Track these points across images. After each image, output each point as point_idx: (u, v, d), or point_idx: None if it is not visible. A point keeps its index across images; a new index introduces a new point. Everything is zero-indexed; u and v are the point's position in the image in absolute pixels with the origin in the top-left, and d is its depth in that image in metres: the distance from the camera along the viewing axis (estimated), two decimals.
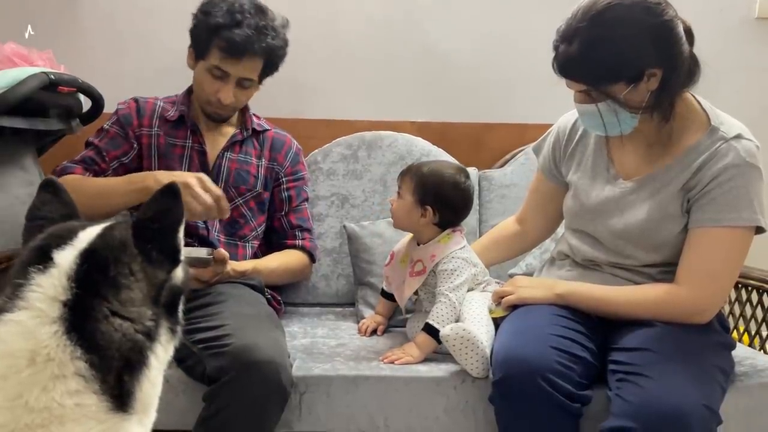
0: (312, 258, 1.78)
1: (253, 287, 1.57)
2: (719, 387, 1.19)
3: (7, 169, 1.77)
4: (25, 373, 0.66)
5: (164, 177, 1.41)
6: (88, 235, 0.74)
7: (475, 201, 1.97)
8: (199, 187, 1.37)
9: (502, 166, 2.08)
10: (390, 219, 1.66)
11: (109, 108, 1.93)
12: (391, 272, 1.60)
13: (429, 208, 1.49)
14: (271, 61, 1.62)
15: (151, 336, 0.73)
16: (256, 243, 1.72)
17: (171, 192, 0.74)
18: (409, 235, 1.60)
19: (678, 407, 1.07)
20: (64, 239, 0.73)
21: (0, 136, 1.69)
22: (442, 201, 1.49)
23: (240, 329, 1.24)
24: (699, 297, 1.25)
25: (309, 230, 1.79)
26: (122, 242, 0.73)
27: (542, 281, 1.38)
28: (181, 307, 0.80)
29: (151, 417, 0.77)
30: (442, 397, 1.34)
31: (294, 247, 1.74)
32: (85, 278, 0.70)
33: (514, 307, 1.39)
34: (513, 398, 1.20)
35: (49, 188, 0.83)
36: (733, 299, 1.68)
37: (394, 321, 1.67)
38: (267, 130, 1.77)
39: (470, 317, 1.36)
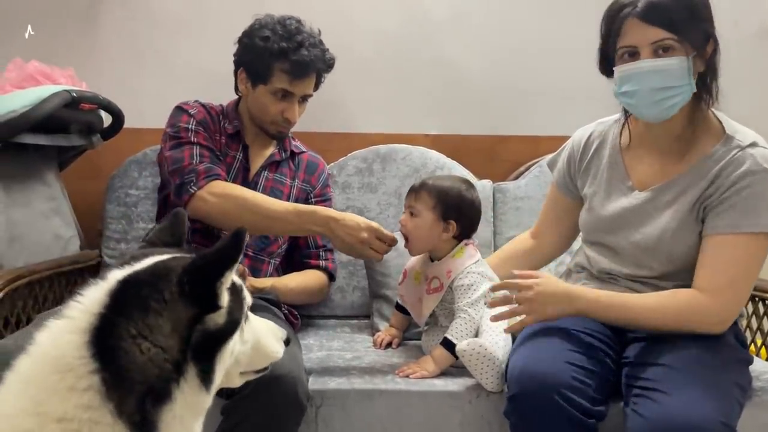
0: (332, 278, 1.81)
1: (269, 301, 1.59)
2: (737, 403, 1.18)
3: (30, 185, 1.81)
4: (50, 380, 0.68)
5: (345, 222, 1.41)
6: (151, 260, 0.75)
7: (490, 213, 2.00)
8: (375, 240, 1.39)
9: (516, 178, 2.09)
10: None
11: (127, 124, 1.98)
12: (405, 290, 1.60)
13: (452, 222, 1.49)
14: (323, 74, 1.68)
15: (179, 370, 0.71)
16: (278, 260, 1.75)
17: (237, 237, 0.73)
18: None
19: (695, 423, 1.07)
20: (131, 260, 0.76)
21: (23, 152, 1.73)
22: (462, 214, 1.50)
23: None
24: (720, 305, 1.24)
25: (332, 251, 1.80)
26: (167, 271, 0.73)
27: (562, 294, 1.31)
28: (219, 363, 0.75)
29: None
30: (458, 412, 1.34)
31: (317, 267, 1.77)
32: (119, 294, 0.71)
33: None
34: (528, 414, 1.20)
35: (172, 218, 0.89)
36: (750, 313, 1.67)
37: (408, 334, 1.69)
38: (303, 152, 1.81)
39: (487, 330, 1.36)
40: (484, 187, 2.01)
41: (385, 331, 1.69)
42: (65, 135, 1.82)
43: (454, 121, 2.18)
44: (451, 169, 2.01)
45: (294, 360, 1.26)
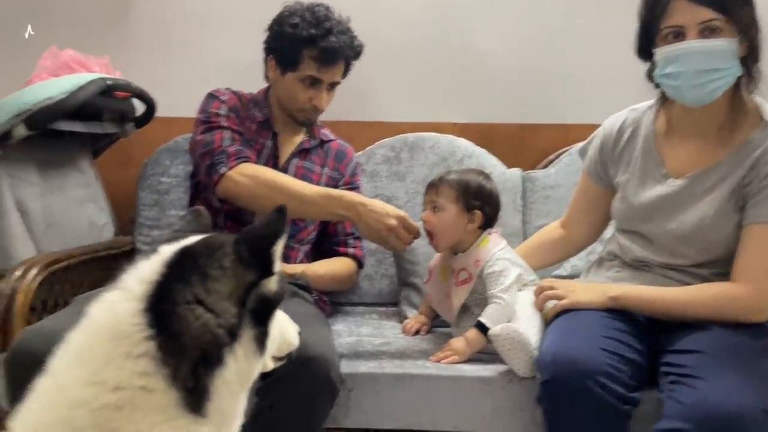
0: (360, 265, 1.81)
1: (300, 287, 1.60)
2: None
3: (65, 172, 1.85)
4: (106, 349, 0.68)
5: (373, 208, 1.41)
6: (198, 237, 0.78)
7: (519, 202, 1.99)
8: (401, 229, 1.39)
9: (545, 166, 2.07)
10: None
11: (159, 112, 2.00)
12: (432, 288, 1.60)
13: (477, 212, 1.50)
14: (351, 61, 1.68)
15: (233, 334, 0.72)
16: (308, 247, 1.76)
17: (279, 213, 0.77)
18: None
19: (734, 409, 1.05)
20: (177, 238, 0.78)
21: (59, 140, 1.77)
22: (485, 203, 1.51)
23: None
24: (758, 295, 1.22)
25: (360, 238, 1.81)
26: (221, 243, 0.76)
27: (594, 285, 1.36)
28: (272, 328, 0.78)
29: (234, 422, 0.75)
30: (489, 397, 1.34)
31: (345, 254, 1.77)
32: (176, 263, 0.73)
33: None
34: (561, 400, 1.19)
35: (194, 213, 0.94)
36: None
37: (437, 321, 1.68)
38: (332, 140, 1.81)
39: (521, 316, 1.36)
40: (513, 175, 2.00)
41: (414, 318, 1.69)
42: (99, 122, 1.85)
43: (482, 109, 2.16)
44: (480, 158, 2.00)
45: (326, 342, 1.27)
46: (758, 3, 1.27)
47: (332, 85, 1.67)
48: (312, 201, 1.44)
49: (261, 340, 0.75)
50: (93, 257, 1.78)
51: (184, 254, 0.75)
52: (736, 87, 1.27)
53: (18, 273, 1.45)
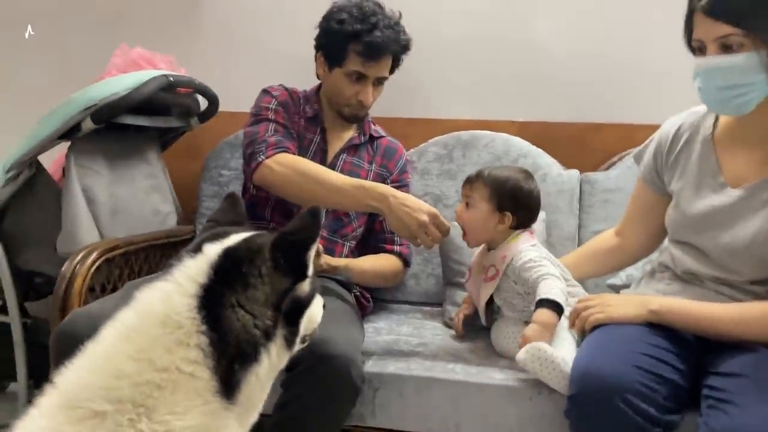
0: (407, 264, 1.80)
1: (340, 283, 1.62)
2: None
3: (133, 163, 1.96)
4: (155, 332, 0.76)
5: (406, 201, 1.40)
6: (238, 237, 0.85)
7: (576, 205, 1.91)
8: (432, 226, 1.39)
9: (607, 169, 1.97)
10: None
11: (223, 107, 2.08)
12: (471, 286, 1.58)
13: (508, 213, 1.46)
14: (398, 56, 1.68)
15: (268, 335, 0.81)
16: (353, 243, 1.77)
17: (313, 215, 0.84)
18: (480, 247, 1.56)
19: None
20: (218, 237, 0.85)
21: (126, 133, 1.88)
22: (519, 205, 1.46)
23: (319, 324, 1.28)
24: None
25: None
26: (260, 248, 0.83)
27: (633, 297, 1.28)
28: (302, 326, 0.86)
29: (252, 418, 0.83)
30: (516, 408, 1.30)
31: (392, 252, 1.76)
32: (222, 269, 0.80)
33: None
34: (588, 416, 1.14)
35: (229, 199, 0.99)
36: None
37: (467, 326, 1.64)
38: (382, 137, 1.82)
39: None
40: (570, 177, 1.92)
41: (458, 312, 1.64)
42: (164, 117, 1.94)
43: (542, 107, 2.09)
44: (536, 157, 1.94)
45: (350, 341, 1.27)
46: None
47: (379, 81, 1.67)
48: (344, 191, 1.45)
49: (291, 338, 0.84)
50: (153, 244, 1.88)
51: (227, 258, 0.82)
52: None
53: (79, 257, 1.56)
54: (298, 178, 1.50)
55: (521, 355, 1.26)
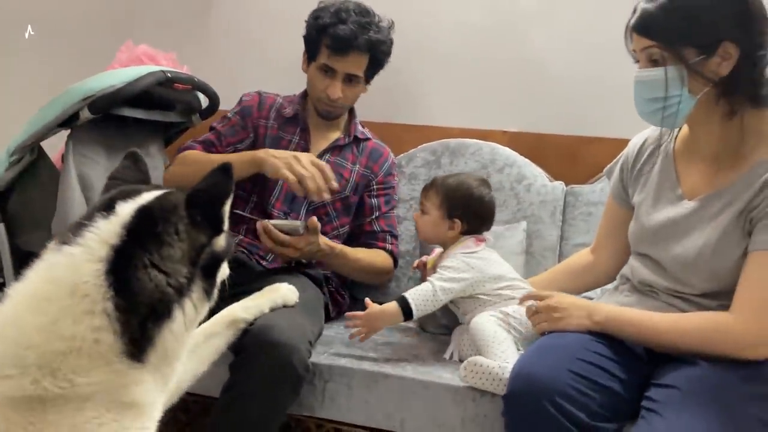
0: (395, 262, 1.83)
1: (312, 278, 1.65)
2: None
3: None
4: (65, 303, 0.77)
5: (274, 152, 1.55)
6: (150, 195, 0.85)
7: (558, 217, 1.90)
8: (305, 159, 1.50)
9: (595, 182, 1.95)
10: None
11: (226, 105, 2.16)
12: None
13: (457, 220, 1.51)
14: (376, 57, 1.71)
15: (181, 292, 0.82)
16: (338, 243, 1.79)
17: (224, 169, 0.85)
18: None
19: None
20: (130, 195, 0.85)
21: (125, 125, 1.96)
22: (469, 212, 1.51)
23: (269, 312, 1.32)
24: (751, 328, 1.09)
25: (396, 237, 1.84)
26: (175, 205, 0.84)
27: (582, 306, 1.27)
28: (220, 273, 0.89)
29: (171, 368, 0.85)
30: (460, 408, 1.31)
31: (384, 249, 1.80)
32: (135, 229, 0.81)
33: None
34: (520, 417, 1.14)
35: (131, 158, 0.98)
36: None
37: (442, 330, 1.66)
38: (368, 139, 1.85)
39: (482, 339, 1.32)
40: (555, 188, 1.91)
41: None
42: (163, 111, 2.02)
43: (535, 119, 2.08)
44: (522, 167, 1.94)
45: (296, 329, 1.30)
46: None
47: (350, 78, 1.70)
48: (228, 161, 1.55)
49: (209, 291, 0.87)
50: None
51: (141, 216, 0.82)
52: (732, 107, 1.17)
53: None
54: (189, 168, 1.64)
55: (461, 372, 1.28)
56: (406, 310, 1.37)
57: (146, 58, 1.98)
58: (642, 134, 1.41)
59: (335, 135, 1.81)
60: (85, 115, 1.76)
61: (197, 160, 1.69)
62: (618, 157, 1.47)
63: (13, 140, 1.82)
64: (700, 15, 1.14)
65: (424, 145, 2.05)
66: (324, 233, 1.75)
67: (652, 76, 1.17)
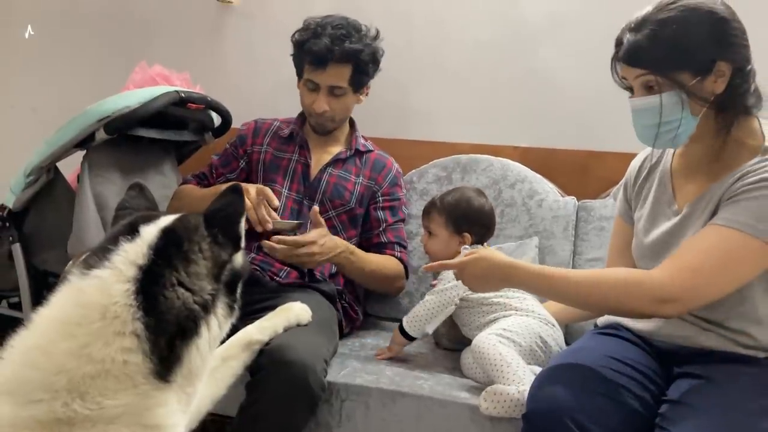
0: (406, 270, 1.82)
1: (326, 295, 1.65)
2: None
3: (147, 173, 2.07)
4: (96, 326, 0.79)
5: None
6: (168, 218, 0.89)
7: (571, 232, 1.90)
8: (252, 191, 1.54)
9: (605, 197, 1.96)
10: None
11: (238, 123, 2.18)
12: None
13: (466, 233, 1.57)
14: (359, 66, 1.71)
15: (206, 308, 0.85)
16: None
17: (235, 189, 0.91)
18: None
19: None
20: (150, 219, 0.89)
21: (140, 144, 1.99)
22: (473, 222, 1.58)
23: (284, 331, 1.33)
24: (671, 284, 1.10)
25: (405, 248, 1.84)
26: (196, 225, 0.88)
27: (501, 269, 1.24)
28: (239, 290, 0.93)
29: (194, 388, 0.86)
30: (478, 427, 1.30)
31: (392, 257, 1.79)
32: (162, 249, 0.84)
33: None
34: None
35: (135, 188, 1.02)
36: None
37: (457, 345, 1.66)
38: (370, 151, 1.85)
39: (490, 364, 1.32)
40: (566, 203, 1.92)
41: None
42: (177, 131, 2.05)
43: (546, 134, 2.10)
44: (533, 183, 1.94)
45: (312, 348, 1.30)
46: None
47: (334, 90, 1.71)
48: (207, 197, 1.61)
49: (231, 306, 0.90)
50: None
51: (166, 237, 0.85)
52: (724, 122, 1.19)
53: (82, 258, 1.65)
54: (181, 203, 1.76)
55: (482, 403, 1.27)
56: (402, 331, 1.49)
57: (160, 78, 2.00)
58: (643, 153, 1.43)
59: (337, 149, 1.82)
60: (101, 135, 1.79)
61: (188, 194, 1.78)
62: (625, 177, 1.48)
63: (29, 161, 1.84)
64: (688, 41, 1.15)
65: (435, 161, 2.06)
66: None
67: (653, 102, 1.18)
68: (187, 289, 0.83)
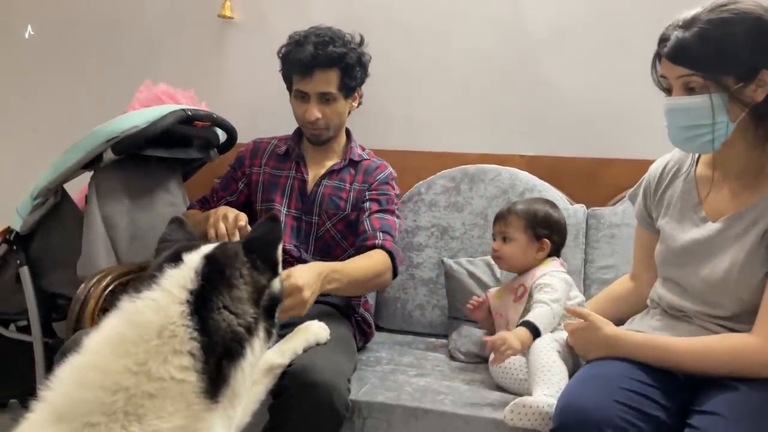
0: (393, 258, 1.64)
1: (338, 309, 1.65)
2: None
3: (154, 192, 2.06)
4: (153, 343, 0.81)
5: (216, 210, 1.61)
6: (209, 246, 0.93)
7: (581, 240, 1.90)
8: (224, 217, 1.53)
9: (614, 204, 1.96)
10: (488, 258, 1.77)
11: (244, 138, 2.17)
12: (500, 309, 1.62)
13: (546, 240, 1.58)
14: (345, 70, 1.69)
15: (250, 331, 0.88)
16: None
17: (273, 218, 0.96)
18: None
19: None
20: (191, 248, 0.93)
21: (147, 163, 1.98)
22: (553, 231, 1.59)
23: (306, 351, 1.32)
24: None
25: (392, 236, 1.69)
26: (235, 252, 0.92)
27: (603, 342, 1.26)
28: (277, 314, 0.95)
29: (235, 411, 0.89)
30: None
31: (374, 246, 1.63)
32: (208, 274, 0.87)
33: None
34: None
35: (175, 222, 1.08)
36: None
37: (473, 358, 1.66)
38: (365, 159, 1.81)
39: (538, 366, 1.32)
40: (576, 212, 1.92)
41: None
42: (184, 149, 2.04)
43: (552, 142, 2.10)
44: (542, 191, 1.94)
45: (335, 369, 1.30)
46: None
47: (324, 97, 1.70)
48: (201, 219, 1.65)
49: (270, 330, 0.94)
50: None
51: (210, 263, 0.89)
52: (761, 130, 1.19)
53: (93, 280, 1.64)
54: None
55: (507, 414, 1.25)
56: (535, 333, 1.40)
57: (166, 97, 1.99)
58: (663, 159, 1.43)
59: (332, 161, 1.80)
60: (109, 156, 1.78)
61: (186, 215, 1.77)
62: (640, 181, 1.48)
63: (35, 184, 1.83)
64: (737, 45, 1.15)
65: (443, 171, 2.06)
66: (336, 257, 1.69)
67: (696, 103, 1.17)
68: (232, 312, 0.87)
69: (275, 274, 0.93)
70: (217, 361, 0.84)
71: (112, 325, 0.84)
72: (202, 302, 0.84)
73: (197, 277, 0.86)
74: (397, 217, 1.76)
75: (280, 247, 0.94)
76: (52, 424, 0.78)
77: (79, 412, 0.78)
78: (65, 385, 0.81)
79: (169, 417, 0.79)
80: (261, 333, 0.91)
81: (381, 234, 1.67)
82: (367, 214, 1.72)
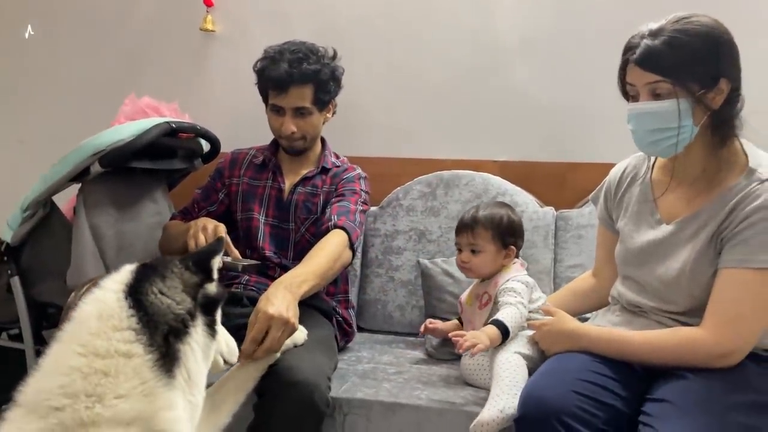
0: (346, 231, 1.65)
1: (321, 311, 1.72)
2: None
3: (140, 202, 2.12)
4: (93, 325, 0.90)
5: (196, 221, 1.67)
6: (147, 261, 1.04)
7: (551, 241, 1.99)
8: (204, 229, 1.59)
9: (582, 206, 2.06)
10: None
11: (227, 147, 2.24)
12: (467, 316, 1.66)
13: (512, 246, 1.61)
14: (319, 85, 1.76)
15: (191, 314, 0.97)
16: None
17: (219, 239, 1.09)
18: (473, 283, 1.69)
19: None
20: (140, 261, 1.03)
21: (133, 174, 2.04)
22: (517, 235, 1.63)
23: (288, 351, 1.40)
24: (721, 340, 1.21)
25: (349, 218, 1.70)
26: (169, 259, 1.03)
27: (567, 335, 1.36)
28: (218, 316, 1.04)
29: (196, 398, 0.96)
30: None
31: (327, 228, 1.66)
32: (141, 271, 0.98)
33: None
34: None
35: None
36: None
37: (447, 355, 1.74)
38: (336, 166, 1.87)
39: (504, 377, 1.38)
40: (546, 214, 2.01)
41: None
42: (169, 160, 2.10)
43: (523, 147, 2.20)
44: (513, 195, 2.04)
45: (315, 367, 1.37)
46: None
47: (299, 111, 1.76)
48: (182, 229, 1.70)
49: (212, 326, 1.02)
50: None
51: (144, 266, 1.00)
52: (715, 137, 1.28)
53: (82, 290, 1.70)
54: (163, 238, 1.89)
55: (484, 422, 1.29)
56: (504, 331, 1.44)
57: (150, 109, 2.06)
58: (621, 164, 1.52)
59: (307, 169, 1.86)
60: (96, 169, 1.84)
61: (168, 230, 1.89)
62: (601, 184, 1.57)
63: (25, 197, 1.89)
64: (702, 53, 1.23)
65: (419, 177, 2.14)
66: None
67: (663, 107, 1.24)
68: (169, 297, 0.96)
69: (209, 278, 1.02)
70: (164, 337, 0.91)
71: (64, 327, 0.93)
72: (137, 288, 0.94)
73: (132, 275, 0.96)
74: (361, 206, 1.77)
75: (216, 258, 1.03)
76: (21, 417, 0.85)
77: (42, 398, 0.85)
78: (30, 381, 0.88)
79: (127, 396, 0.85)
80: (200, 327, 0.98)
81: (336, 216, 1.69)
82: (329, 206, 1.77)
